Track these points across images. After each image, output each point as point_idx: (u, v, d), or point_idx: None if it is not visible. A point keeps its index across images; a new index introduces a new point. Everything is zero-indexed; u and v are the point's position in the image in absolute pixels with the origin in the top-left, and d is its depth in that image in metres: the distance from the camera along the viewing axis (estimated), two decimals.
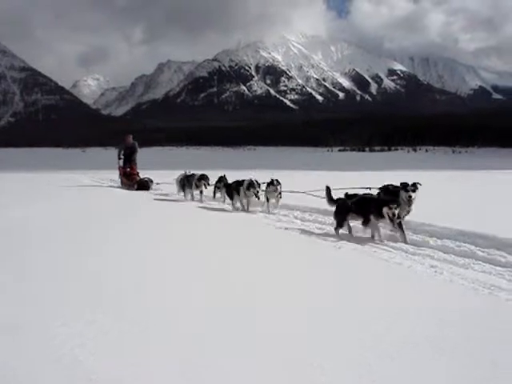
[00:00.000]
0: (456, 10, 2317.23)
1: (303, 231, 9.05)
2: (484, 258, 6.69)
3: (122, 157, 22.54)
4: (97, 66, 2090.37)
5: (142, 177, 21.61)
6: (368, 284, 5.44)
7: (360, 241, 8.11)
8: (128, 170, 22.04)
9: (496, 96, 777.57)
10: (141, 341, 3.95)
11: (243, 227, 9.89)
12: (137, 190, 19.82)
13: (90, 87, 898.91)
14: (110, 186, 21.60)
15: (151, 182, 20.46)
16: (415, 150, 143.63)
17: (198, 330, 4.21)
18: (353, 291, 5.19)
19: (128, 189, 20.29)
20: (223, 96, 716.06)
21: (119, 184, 22.17)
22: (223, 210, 12.81)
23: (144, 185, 20.23)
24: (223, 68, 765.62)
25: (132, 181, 21.16)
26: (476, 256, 6.83)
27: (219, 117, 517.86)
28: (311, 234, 8.84)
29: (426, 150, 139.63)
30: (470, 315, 4.46)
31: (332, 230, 8.90)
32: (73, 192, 18.12)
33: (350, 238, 8.46)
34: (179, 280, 5.56)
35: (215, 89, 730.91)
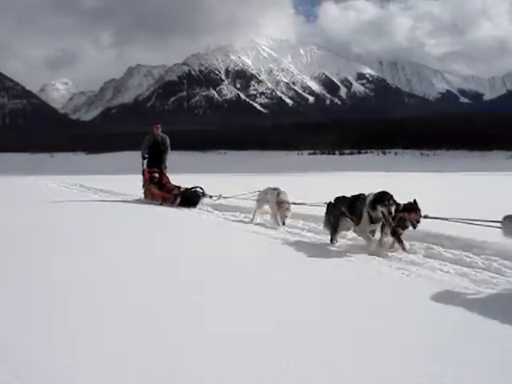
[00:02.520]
0: (422, 16, 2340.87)
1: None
2: (450, 259, 6.78)
3: (146, 156, 17.02)
4: (65, 69, 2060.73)
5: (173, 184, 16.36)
6: (336, 285, 5.44)
7: (327, 243, 8.18)
8: (156, 174, 16.56)
9: (463, 100, 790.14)
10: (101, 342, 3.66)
11: None
12: (179, 205, 14.24)
13: (58, 91, 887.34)
14: (101, 201, 16.26)
15: (203, 194, 14.54)
16: (384, 153, 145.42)
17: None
18: (321, 293, 5.16)
19: (161, 203, 14.97)
20: (193, 100, 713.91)
21: (141, 196, 16.77)
22: None
23: (193, 198, 14.39)
24: (193, 72, 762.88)
25: (169, 191, 15.44)
26: (443, 257, 6.92)
27: (189, 121, 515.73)
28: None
29: (396, 153, 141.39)
30: (436, 316, 4.43)
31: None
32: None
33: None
34: None
35: (185, 93, 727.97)
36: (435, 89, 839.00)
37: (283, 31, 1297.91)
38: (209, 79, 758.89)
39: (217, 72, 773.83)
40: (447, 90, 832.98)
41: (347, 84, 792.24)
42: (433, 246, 7.48)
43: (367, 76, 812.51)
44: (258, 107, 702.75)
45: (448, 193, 20.04)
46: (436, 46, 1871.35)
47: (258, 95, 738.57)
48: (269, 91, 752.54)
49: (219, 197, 14.09)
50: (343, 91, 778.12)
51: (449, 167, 59.44)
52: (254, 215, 11.01)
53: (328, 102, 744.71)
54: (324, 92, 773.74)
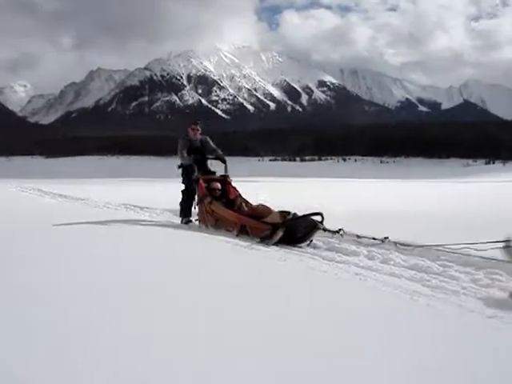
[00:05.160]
0: (381, 26, 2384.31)
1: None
2: (407, 265, 6.91)
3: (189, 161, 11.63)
4: (24, 72, 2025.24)
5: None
6: (291, 291, 5.41)
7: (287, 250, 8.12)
8: (217, 184, 11.09)
9: (422, 108, 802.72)
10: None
11: None
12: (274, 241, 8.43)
13: (16, 94, 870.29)
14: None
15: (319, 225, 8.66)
16: (345, 160, 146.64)
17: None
18: (276, 297, 5.09)
19: (238, 235, 9.36)
20: (155, 105, 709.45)
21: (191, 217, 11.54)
22: None
23: (301, 231, 8.58)
24: (155, 77, 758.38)
25: (257, 216, 9.48)
26: (400, 263, 7.04)
27: (151, 126, 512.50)
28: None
29: (356, 160, 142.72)
30: (389, 319, 4.46)
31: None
32: None
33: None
34: None
35: (146, 98, 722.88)
36: (395, 97, 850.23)
37: (245, 38, 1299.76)
38: (170, 84, 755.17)
39: (178, 77, 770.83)
40: (406, 99, 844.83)
41: (308, 91, 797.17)
42: (389, 252, 7.65)
43: (328, 84, 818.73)
44: (220, 113, 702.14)
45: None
46: (395, 56, 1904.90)
47: (219, 101, 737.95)
48: (231, 97, 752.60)
49: (383, 240, 8.17)
50: (304, 98, 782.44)
51: (408, 174, 60.62)
52: None
53: (289, 108, 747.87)
54: (285, 99, 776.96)
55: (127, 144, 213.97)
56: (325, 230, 8.76)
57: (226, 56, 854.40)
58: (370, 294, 5.34)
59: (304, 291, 5.45)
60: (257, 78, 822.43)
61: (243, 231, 9.37)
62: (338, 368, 3.18)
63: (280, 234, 8.46)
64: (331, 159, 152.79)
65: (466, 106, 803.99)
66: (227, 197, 11.01)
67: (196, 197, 11.23)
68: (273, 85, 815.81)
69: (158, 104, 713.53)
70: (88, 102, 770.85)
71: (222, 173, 11.67)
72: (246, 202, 10.80)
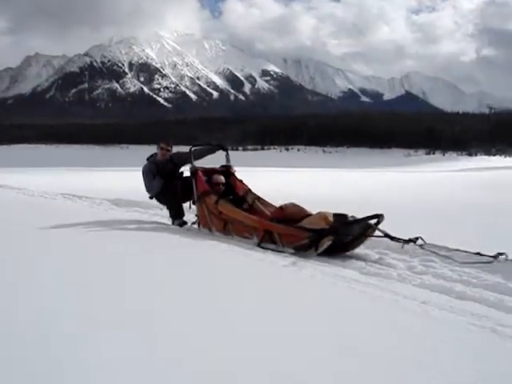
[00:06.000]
0: (325, 17, 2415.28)
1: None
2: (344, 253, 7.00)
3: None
4: None
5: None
6: (226, 279, 5.32)
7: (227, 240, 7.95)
8: (221, 176, 9.10)
9: (364, 99, 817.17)
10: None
11: None
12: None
13: None
14: None
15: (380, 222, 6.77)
16: (287, 150, 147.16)
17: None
18: (211, 284, 4.97)
19: (260, 244, 7.37)
20: (95, 92, 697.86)
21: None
22: None
23: (347, 237, 7.03)
24: (95, 64, 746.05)
25: (285, 219, 7.48)
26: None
27: (91, 114, 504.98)
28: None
29: (298, 150, 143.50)
30: (327, 306, 4.47)
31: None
32: None
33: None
34: None
35: (87, 85, 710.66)
36: (338, 87, 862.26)
37: (188, 25, 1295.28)
38: (111, 71, 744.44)
39: (120, 64, 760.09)
40: (349, 89, 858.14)
41: (251, 80, 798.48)
42: None
43: (271, 73, 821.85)
44: (162, 101, 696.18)
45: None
46: (338, 46, 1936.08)
47: (161, 89, 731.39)
48: (173, 85, 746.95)
49: (497, 256, 6.11)
50: (247, 87, 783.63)
51: (351, 163, 61.45)
52: None
53: (232, 97, 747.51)
54: (228, 88, 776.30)
55: (66, 132, 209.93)
56: (389, 237, 6.80)
57: (168, 43, 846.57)
58: (308, 282, 5.33)
59: (238, 280, 5.38)
60: (199, 67, 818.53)
61: (267, 239, 7.39)
62: (273, 356, 3.04)
63: (327, 243, 6.73)
64: (274, 149, 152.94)
65: (408, 97, 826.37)
66: (235, 193, 9.06)
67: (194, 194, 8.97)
68: (216, 73, 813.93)
69: (98, 91, 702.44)
70: (25, 88, 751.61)
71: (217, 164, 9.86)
72: (260, 200, 8.93)
